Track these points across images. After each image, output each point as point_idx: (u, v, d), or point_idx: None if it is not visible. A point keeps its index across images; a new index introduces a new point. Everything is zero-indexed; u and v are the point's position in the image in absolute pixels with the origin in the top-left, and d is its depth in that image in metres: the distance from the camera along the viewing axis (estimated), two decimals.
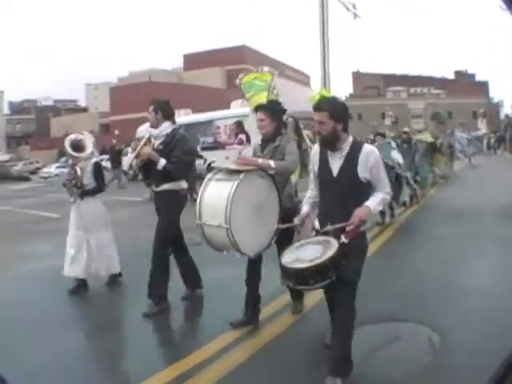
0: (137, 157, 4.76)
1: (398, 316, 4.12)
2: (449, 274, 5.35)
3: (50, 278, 6.00)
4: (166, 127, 4.82)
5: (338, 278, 3.00)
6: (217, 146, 19.25)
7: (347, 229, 3.07)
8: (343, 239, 3.03)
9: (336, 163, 3.25)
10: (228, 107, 20.64)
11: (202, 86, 58.02)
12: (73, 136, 5.82)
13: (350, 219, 3.08)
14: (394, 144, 9.30)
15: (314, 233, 3.39)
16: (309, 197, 3.55)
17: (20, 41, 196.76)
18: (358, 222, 3.07)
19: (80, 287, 5.56)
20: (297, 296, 4.45)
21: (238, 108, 19.02)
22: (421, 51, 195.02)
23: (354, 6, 17.15)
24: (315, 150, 3.44)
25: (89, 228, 5.57)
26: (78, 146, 5.69)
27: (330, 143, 3.25)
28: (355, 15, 17.36)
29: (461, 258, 6.16)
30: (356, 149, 3.22)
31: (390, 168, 8.01)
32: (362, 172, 3.18)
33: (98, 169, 5.73)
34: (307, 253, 3.07)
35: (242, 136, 18.56)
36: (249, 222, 3.69)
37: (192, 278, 5.14)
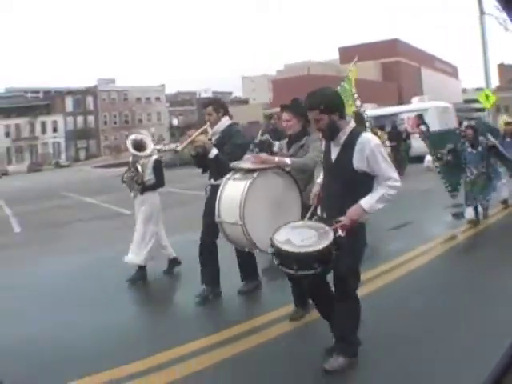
0: (191, 143, 4.92)
1: None
2: None
3: None
4: (223, 123, 5.06)
5: (335, 272, 3.18)
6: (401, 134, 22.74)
7: (341, 223, 3.11)
8: (340, 233, 3.07)
9: (334, 151, 3.33)
10: (384, 99, 22.94)
11: (359, 78, 58.77)
12: (133, 136, 6.36)
13: (345, 211, 3.12)
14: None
15: (315, 217, 3.52)
16: (320, 180, 3.71)
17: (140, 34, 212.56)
18: (349, 222, 3.09)
19: (139, 275, 6.08)
20: (300, 302, 4.34)
21: (417, 103, 23.10)
22: None
23: (504, 21, 19.19)
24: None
25: (149, 220, 6.12)
26: (139, 146, 6.22)
27: (331, 136, 3.32)
28: (506, 29, 19.46)
29: None
30: (353, 138, 3.22)
31: (489, 147, 7.66)
32: (359, 162, 3.15)
33: (157, 165, 6.24)
34: (300, 236, 3.11)
35: (423, 127, 21.72)
36: (265, 219, 3.77)
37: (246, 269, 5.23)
